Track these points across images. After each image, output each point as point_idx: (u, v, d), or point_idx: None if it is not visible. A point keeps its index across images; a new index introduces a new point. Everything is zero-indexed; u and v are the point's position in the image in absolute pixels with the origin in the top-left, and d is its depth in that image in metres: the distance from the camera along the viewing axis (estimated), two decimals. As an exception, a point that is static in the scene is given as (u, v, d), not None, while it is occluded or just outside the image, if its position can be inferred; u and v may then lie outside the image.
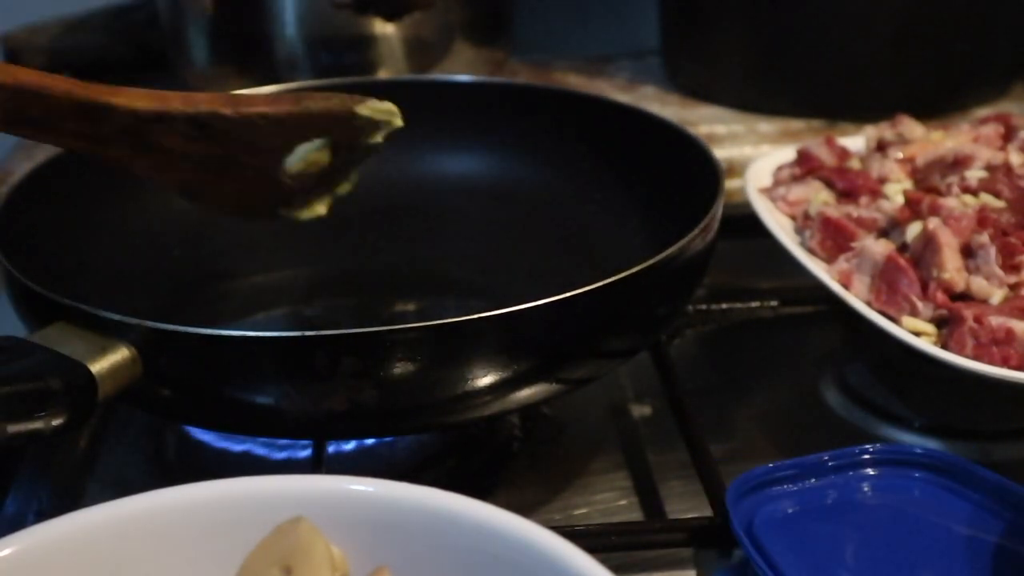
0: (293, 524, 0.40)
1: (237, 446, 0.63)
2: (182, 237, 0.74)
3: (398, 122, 0.57)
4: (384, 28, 0.99)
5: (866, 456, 0.55)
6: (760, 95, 1.02)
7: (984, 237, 0.65)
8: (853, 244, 0.68)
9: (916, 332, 0.62)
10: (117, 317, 0.52)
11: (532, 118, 0.80)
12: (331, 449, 0.61)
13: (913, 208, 0.70)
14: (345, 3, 0.96)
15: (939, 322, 0.63)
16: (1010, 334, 0.60)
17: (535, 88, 0.89)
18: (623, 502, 0.60)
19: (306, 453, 0.61)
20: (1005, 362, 0.59)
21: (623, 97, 1.05)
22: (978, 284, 0.64)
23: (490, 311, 0.51)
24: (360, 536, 0.40)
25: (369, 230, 0.76)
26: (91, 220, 0.70)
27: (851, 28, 0.98)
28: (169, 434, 0.65)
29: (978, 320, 0.60)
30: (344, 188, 0.59)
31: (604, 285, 0.53)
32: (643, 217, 0.73)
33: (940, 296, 0.63)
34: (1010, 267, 0.64)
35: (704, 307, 0.74)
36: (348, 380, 0.51)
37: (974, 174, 0.72)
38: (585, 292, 0.53)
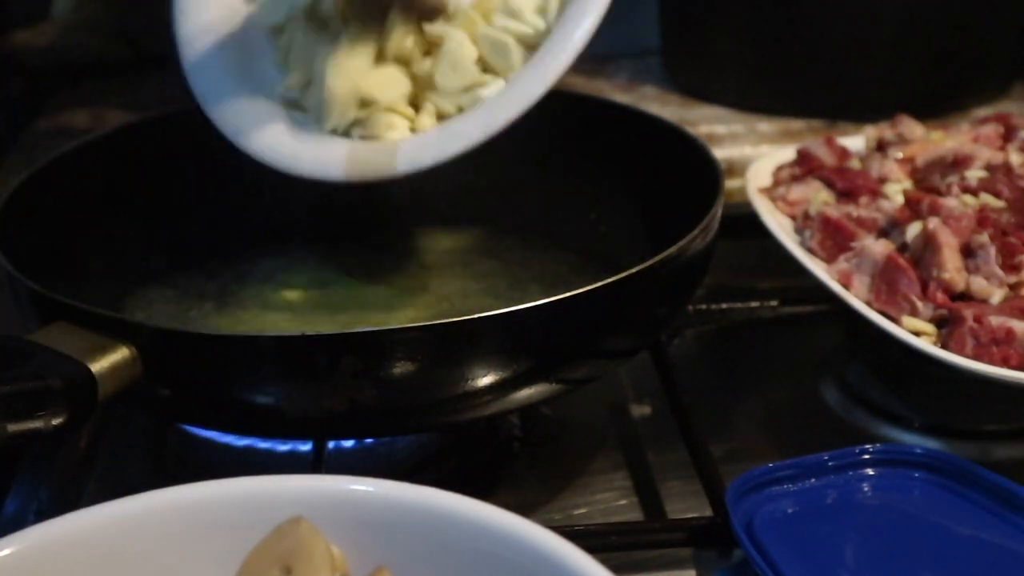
0: (293, 524, 0.40)
1: (237, 445, 0.63)
2: (180, 236, 0.74)
3: None
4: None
5: (866, 456, 0.55)
6: (760, 95, 1.02)
7: (984, 237, 0.65)
8: (853, 244, 0.68)
9: (916, 332, 0.62)
10: (117, 317, 0.52)
11: (532, 118, 0.79)
12: (331, 448, 0.61)
13: (913, 208, 0.70)
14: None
15: (939, 322, 0.63)
16: (1010, 334, 0.60)
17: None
18: (623, 502, 0.60)
19: (307, 448, 0.61)
20: (1005, 362, 0.59)
21: (623, 97, 1.05)
22: (978, 284, 0.64)
23: (490, 311, 0.52)
24: (360, 536, 0.40)
25: (368, 231, 0.76)
26: (90, 220, 0.70)
27: (851, 28, 0.98)
28: (169, 434, 0.65)
29: (978, 320, 0.60)
30: None
31: (604, 285, 0.53)
32: (643, 217, 0.73)
33: (940, 296, 0.63)
34: (1010, 267, 0.64)
35: (704, 307, 0.74)
36: (348, 380, 0.51)
37: (974, 174, 0.72)
38: (585, 292, 0.53)
